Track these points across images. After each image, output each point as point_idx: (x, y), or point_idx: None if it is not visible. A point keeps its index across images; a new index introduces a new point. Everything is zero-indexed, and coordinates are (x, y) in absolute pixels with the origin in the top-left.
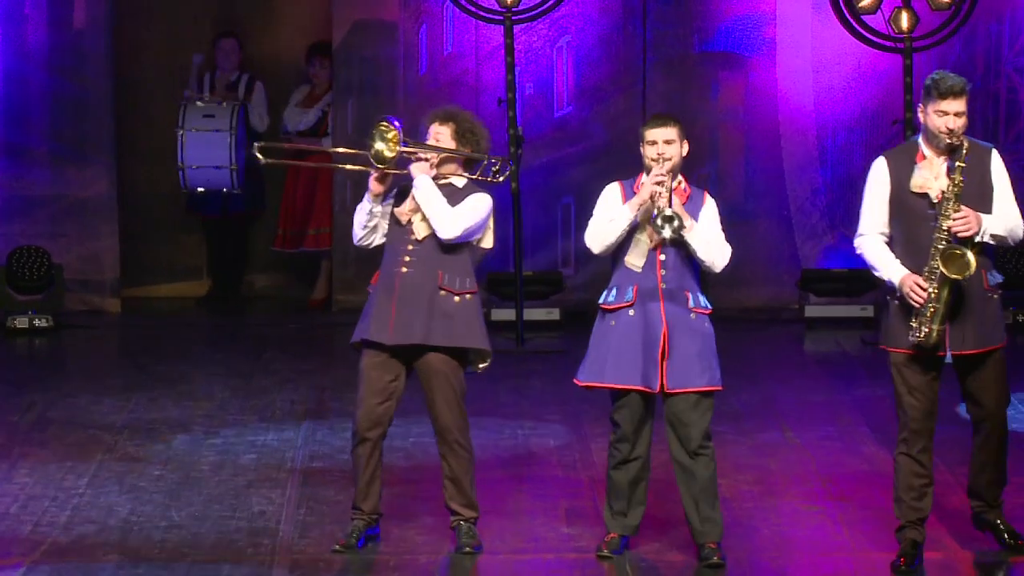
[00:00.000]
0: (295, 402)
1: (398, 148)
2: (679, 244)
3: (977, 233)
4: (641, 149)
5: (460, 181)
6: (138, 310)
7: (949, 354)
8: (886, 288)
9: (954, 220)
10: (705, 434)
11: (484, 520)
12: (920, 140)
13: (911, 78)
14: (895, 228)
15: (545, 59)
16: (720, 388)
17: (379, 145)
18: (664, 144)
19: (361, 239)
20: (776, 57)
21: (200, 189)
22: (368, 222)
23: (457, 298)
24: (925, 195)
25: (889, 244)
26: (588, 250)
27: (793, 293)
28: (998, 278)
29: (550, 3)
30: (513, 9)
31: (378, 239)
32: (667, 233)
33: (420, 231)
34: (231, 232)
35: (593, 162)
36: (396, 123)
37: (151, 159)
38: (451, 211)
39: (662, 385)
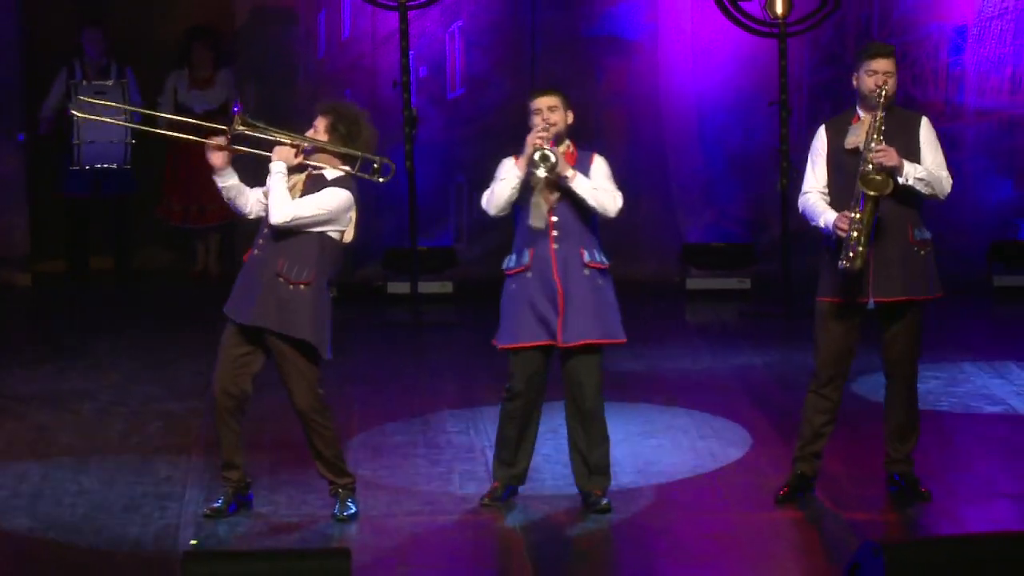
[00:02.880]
0: (199, 372)
1: (237, 128)
2: (572, 203)
3: (897, 167)
4: (529, 122)
5: (332, 173)
6: (48, 284)
7: (872, 301)
8: (822, 239)
9: (875, 151)
10: (598, 391)
11: (380, 484)
12: (856, 106)
13: (786, 61)
14: (832, 186)
15: (438, 44)
16: (622, 341)
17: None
18: (548, 111)
19: (233, 209)
20: (658, 42)
21: (100, 165)
22: (224, 194)
23: (291, 287)
24: (857, 150)
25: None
26: (481, 225)
27: (675, 266)
28: (926, 234)
29: None
30: None
31: (251, 212)
32: (541, 172)
33: None
34: (113, 212)
35: (485, 142)
36: (236, 108)
37: (60, 137)
38: (286, 199)
39: (560, 339)
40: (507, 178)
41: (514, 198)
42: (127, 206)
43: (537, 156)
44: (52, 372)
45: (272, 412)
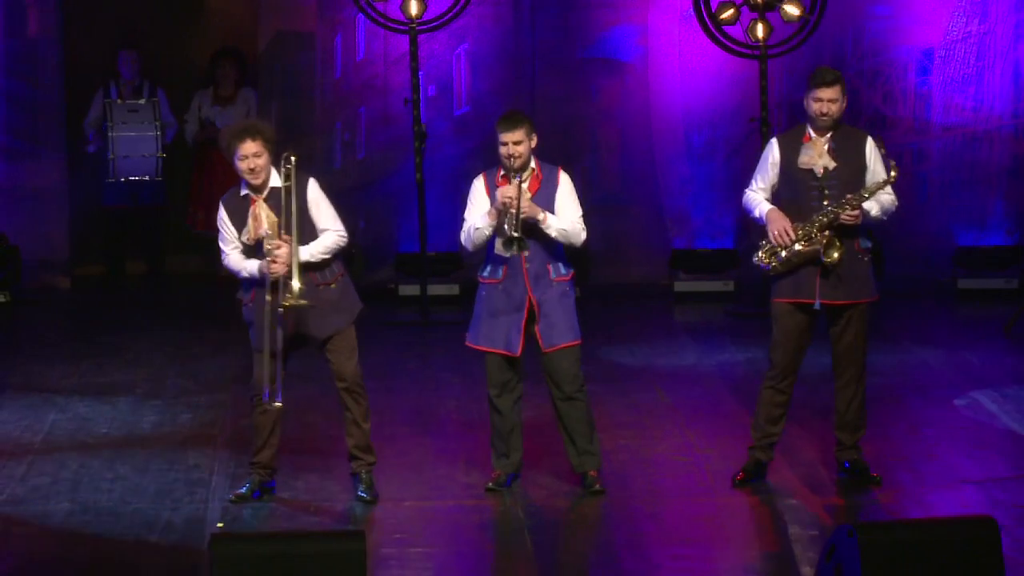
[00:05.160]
0: (225, 368)
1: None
2: (540, 231)
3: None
4: (499, 148)
5: (276, 179)
6: (87, 287)
7: (818, 302)
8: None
9: (847, 215)
10: (577, 378)
11: (391, 471)
12: (808, 125)
13: (766, 81)
14: (783, 193)
15: (446, 65)
16: (579, 341)
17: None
18: (513, 145)
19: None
20: (648, 63)
21: (134, 177)
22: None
23: (332, 286)
24: (810, 170)
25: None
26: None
27: (664, 271)
28: (868, 243)
29: (450, 15)
30: (417, 20)
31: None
32: (511, 252)
33: (283, 254)
34: (147, 220)
35: (488, 155)
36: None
37: (98, 152)
38: (323, 246)
39: (538, 345)
40: (480, 228)
41: (489, 238)
42: (160, 216)
43: (505, 243)
44: (91, 367)
45: (295, 403)
